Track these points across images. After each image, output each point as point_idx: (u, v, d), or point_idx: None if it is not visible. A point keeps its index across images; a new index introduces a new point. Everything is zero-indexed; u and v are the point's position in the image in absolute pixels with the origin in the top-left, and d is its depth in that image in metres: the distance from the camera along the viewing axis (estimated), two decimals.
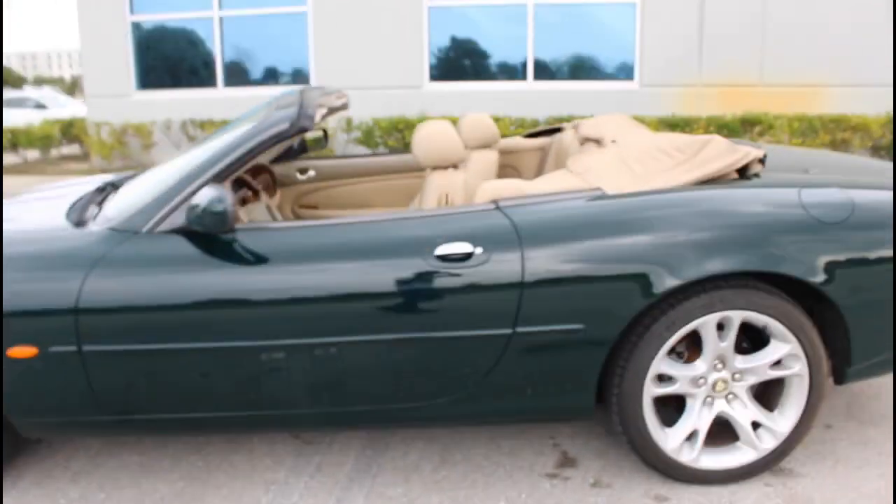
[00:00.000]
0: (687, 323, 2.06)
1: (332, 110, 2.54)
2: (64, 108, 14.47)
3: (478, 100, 8.18)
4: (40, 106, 14.89)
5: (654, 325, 2.06)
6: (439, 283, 1.99)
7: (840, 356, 2.20)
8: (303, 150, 3.46)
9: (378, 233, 2.03)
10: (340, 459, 2.42)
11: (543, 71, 8.32)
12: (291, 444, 2.52)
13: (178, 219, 2.03)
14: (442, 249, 2.00)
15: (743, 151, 2.20)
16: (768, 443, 2.19)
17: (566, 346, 2.04)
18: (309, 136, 3.54)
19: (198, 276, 1.98)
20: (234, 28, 8.72)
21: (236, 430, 2.16)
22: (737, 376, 2.16)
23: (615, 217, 2.04)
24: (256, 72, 8.88)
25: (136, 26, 8.78)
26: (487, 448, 2.47)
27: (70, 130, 10.41)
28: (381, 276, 1.99)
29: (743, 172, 2.25)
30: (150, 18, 8.77)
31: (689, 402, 2.19)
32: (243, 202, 2.43)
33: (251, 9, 8.53)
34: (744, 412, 2.18)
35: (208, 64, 8.85)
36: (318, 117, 2.21)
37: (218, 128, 8.01)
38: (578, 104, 7.98)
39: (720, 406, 2.18)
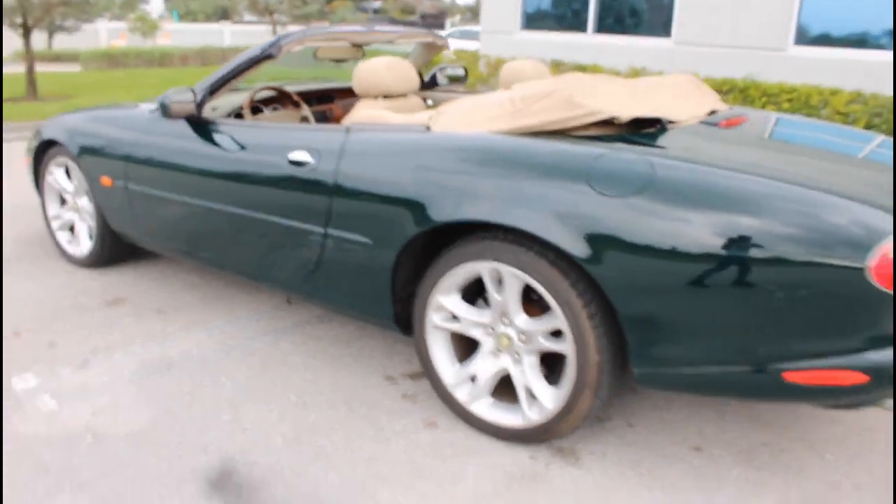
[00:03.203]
0: (460, 265, 2.16)
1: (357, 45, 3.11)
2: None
3: (848, 69, 7.05)
4: None
5: (438, 260, 2.22)
6: (286, 180, 2.51)
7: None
8: (433, 83, 3.98)
9: (265, 135, 2.62)
10: (290, 319, 3.11)
11: None
12: (276, 301, 3.30)
13: None
14: (292, 155, 2.49)
15: (586, 109, 2.09)
16: (535, 416, 2.15)
17: (362, 256, 2.36)
18: (449, 72, 4.03)
19: (180, 147, 2.87)
20: None
21: (206, 266, 3.04)
22: (522, 337, 2.16)
23: (412, 149, 2.23)
24: (624, 21, 9.10)
25: None
26: (403, 350, 2.87)
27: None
28: (257, 167, 2.59)
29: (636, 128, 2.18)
30: None
31: (480, 347, 2.27)
32: (247, 111, 3.18)
33: None
34: (521, 376, 2.18)
35: (582, 10, 9.41)
36: (292, 48, 2.82)
37: (586, 71, 8.62)
38: None
39: (505, 362, 2.22)
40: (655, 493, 2.04)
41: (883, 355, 1.77)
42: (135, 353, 2.79)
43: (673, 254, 1.83)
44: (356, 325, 3.06)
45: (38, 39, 18.52)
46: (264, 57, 2.79)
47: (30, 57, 8.72)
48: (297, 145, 2.51)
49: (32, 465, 2.11)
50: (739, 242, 1.76)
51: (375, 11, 53.54)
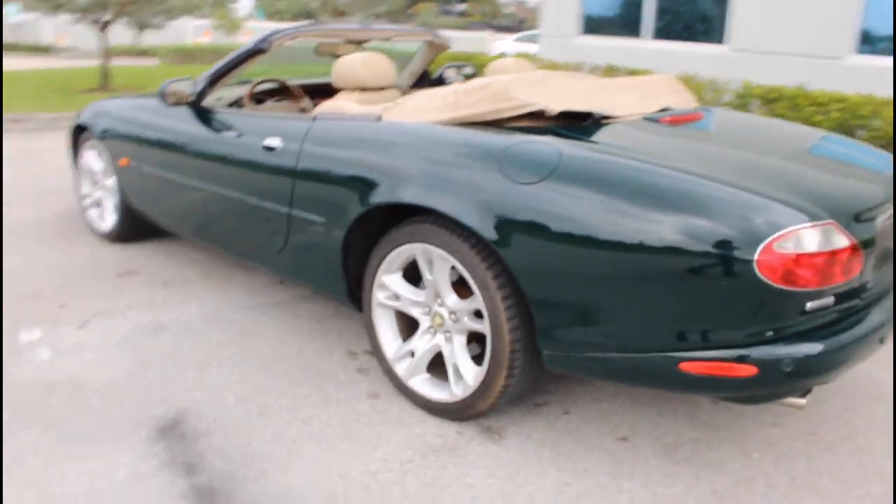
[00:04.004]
0: (398, 245, 2.35)
1: (353, 42, 3.34)
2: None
3: None
4: None
5: (381, 241, 2.41)
6: (259, 164, 2.75)
7: None
8: (440, 81, 4.16)
9: (248, 122, 2.88)
10: (278, 297, 3.36)
11: None
12: (269, 280, 3.56)
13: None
14: (266, 141, 2.73)
15: (516, 101, 2.25)
16: (460, 392, 2.31)
17: (318, 235, 2.57)
18: (466, 71, 4.21)
19: (179, 131, 3.17)
20: None
21: (202, 244, 3.32)
22: (452, 317, 2.32)
23: (361, 136, 2.44)
24: (680, 27, 9.04)
25: None
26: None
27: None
28: (239, 151, 2.85)
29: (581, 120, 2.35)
30: None
31: (420, 325, 2.44)
32: (248, 102, 3.44)
33: None
34: (450, 354, 2.34)
35: (639, 15, 9.40)
36: (283, 42, 3.06)
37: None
38: None
39: (438, 340, 2.38)
40: (563, 473, 2.16)
41: (773, 349, 1.86)
42: (131, 318, 3.09)
43: (575, 239, 1.95)
44: (335, 305, 3.28)
45: (127, 35, 19.71)
46: (256, 51, 3.05)
47: (105, 52, 9.42)
48: (272, 132, 2.74)
49: (15, 404, 2.41)
50: (638, 231, 1.87)
51: (461, 14, 54.24)
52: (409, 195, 2.23)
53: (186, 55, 16.18)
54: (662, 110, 2.64)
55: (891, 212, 2.10)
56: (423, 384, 2.43)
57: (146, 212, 3.61)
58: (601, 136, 2.23)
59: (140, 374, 2.63)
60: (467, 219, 2.10)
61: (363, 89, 3.00)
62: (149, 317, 3.11)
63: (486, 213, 2.07)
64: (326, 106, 2.73)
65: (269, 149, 2.72)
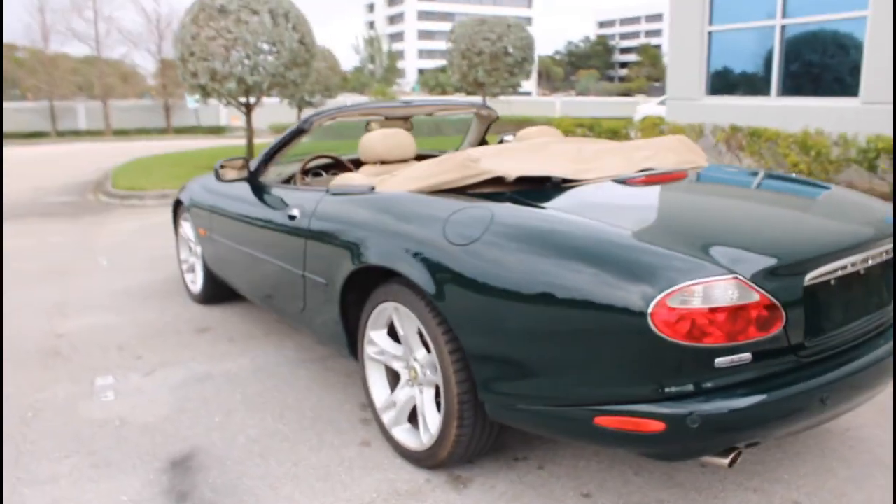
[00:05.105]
0: (378, 304, 2.65)
1: (393, 118, 3.75)
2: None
3: None
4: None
5: (367, 300, 2.73)
6: (284, 231, 3.18)
7: None
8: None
9: (285, 194, 3.32)
10: (321, 352, 3.75)
11: None
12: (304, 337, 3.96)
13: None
14: (290, 211, 3.17)
15: (476, 169, 2.52)
16: (426, 441, 2.53)
17: (323, 295, 2.93)
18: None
19: (237, 201, 3.70)
20: (793, 36, 8.80)
21: (254, 301, 3.80)
22: (423, 370, 2.57)
23: (354, 206, 2.79)
24: (809, 81, 8.75)
25: (712, 36, 9.80)
26: None
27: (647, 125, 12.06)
28: (274, 220, 3.30)
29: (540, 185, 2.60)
30: (724, 28, 9.65)
31: (401, 377, 2.70)
32: (300, 176, 3.90)
33: (812, 16, 8.46)
34: (421, 405, 2.58)
35: (767, 73, 9.20)
36: (322, 122, 3.52)
37: (767, 137, 8.47)
38: None
39: (414, 391, 2.63)
40: None
41: (681, 405, 1.94)
42: (189, 368, 3.60)
43: (499, 295, 2.15)
44: None
45: (290, 114, 21.77)
46: (299, 131, 3.53)
47: (249, 131, 10.67)
48: (298, 203, 3.17)
49: (71, 435, 2.94)
50: (551, 286, 2.04)
51: (621, 80, 54.68)
52: (378, 258, 2.54)
53: (333, 131, 17.67)
54: (643, 171, 2.77)
55: (850, 265, 2.13)
56: (404, 433, 2.68)
57: (221, 276, 4.17)
58: (550, 198, 2.44)
59: (176, 415, 3.09)
60: (418, 278, 2.37)
61: (383, 162, 3.38)
62: (205, 367, 3.60)
63: (431, 273, 2.33)
64: (340, 178, 3.12)
65: (292, 217, 3.14)
